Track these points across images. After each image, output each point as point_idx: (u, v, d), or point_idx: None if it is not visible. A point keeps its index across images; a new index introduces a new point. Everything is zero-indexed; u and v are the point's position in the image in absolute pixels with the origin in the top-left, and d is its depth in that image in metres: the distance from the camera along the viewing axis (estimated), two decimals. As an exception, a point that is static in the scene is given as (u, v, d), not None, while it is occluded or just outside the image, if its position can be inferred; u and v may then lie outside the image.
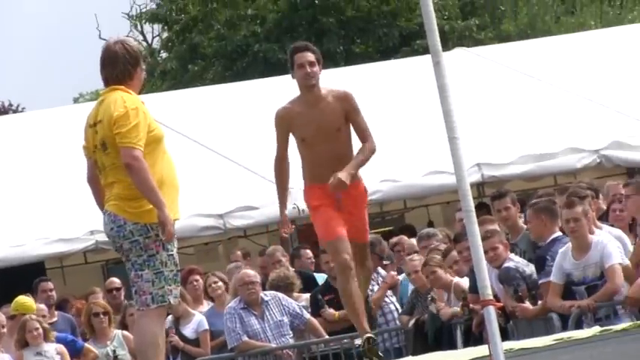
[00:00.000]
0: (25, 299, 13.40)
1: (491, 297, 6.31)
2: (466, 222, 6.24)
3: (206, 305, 14.04)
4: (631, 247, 11.07)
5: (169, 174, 7.82)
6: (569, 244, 10.54)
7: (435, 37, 6.25)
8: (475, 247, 6.15)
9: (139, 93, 8.15)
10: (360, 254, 9.00)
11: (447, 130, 6.06)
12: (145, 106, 7.86)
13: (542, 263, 10.78)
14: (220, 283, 14.03)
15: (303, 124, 9.26)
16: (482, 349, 7.65)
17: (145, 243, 7.61)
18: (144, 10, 45.94)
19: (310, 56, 9.31)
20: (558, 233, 10.96)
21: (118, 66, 7.71)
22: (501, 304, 9.82)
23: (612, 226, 11.65)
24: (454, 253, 11.83)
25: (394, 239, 14.85)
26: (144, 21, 46.40)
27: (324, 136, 9.24)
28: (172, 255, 7.74)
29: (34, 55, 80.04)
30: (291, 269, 14.12)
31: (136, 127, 7.52)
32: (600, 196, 12.54)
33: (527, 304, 10.76)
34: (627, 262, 10.59)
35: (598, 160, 17.42)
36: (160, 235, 7.43)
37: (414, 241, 14.05)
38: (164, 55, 45.61)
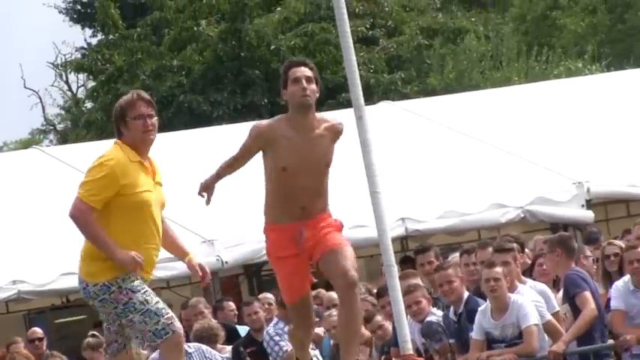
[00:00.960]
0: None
1: (411, 351, 6.38)
2: (387, 276, 6.30)
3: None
4: (555, 301, 11.18)
5: (134, 235, 7.68)
6: (489, 304, 10.67)
7: (357, 92, 6.31)
8: (396, 301, 6.22)
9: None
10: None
11: (368, 185, 6.11)
12: (128, 165, 7.68)
13: (472, 317, 10.81)
14: (139, 335, 13.79)
15: (287, 151, 7.89)
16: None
17: (112, 298, 7.54)
18: (69, 60, 46.17)
19: (308, 72, 7.91)
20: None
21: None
22: (420, 358, 9.87)
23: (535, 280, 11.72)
24: (378, 317, 11.76)
25: (313, 292, 14.93)
26: (69, 70, 46.72)
27: (309, 170, 8.00)
28: (146, 291, 7.64)
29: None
30: (214, 321, 14.07)
31: (93, 182, 7.52)
32: (526, 250, 12.71)
33: (448, 360, 10.80)
34: (548, 317, 10.68)
35: (522, 215, 17.56)
36: (127, 275, 7.42)
37: (333, 294, 13.89)
38: (89, 105, 45.20)
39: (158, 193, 7.89)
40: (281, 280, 7.95)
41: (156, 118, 7.98)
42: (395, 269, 6.52)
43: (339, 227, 7.61)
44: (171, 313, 7.73)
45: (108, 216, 7.59)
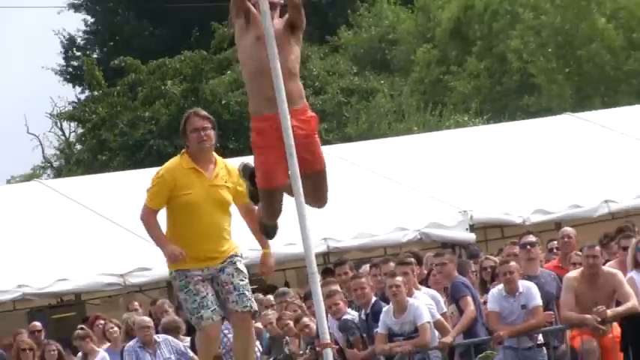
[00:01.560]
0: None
1: (329, 341, 6.43)
2: (311, 283, 6.32)
3: (106, 344, 14.25)
4: (444, 305, 11.38)
5: (187, 230, 7.47)
6: (391, 306, 10.89)
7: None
8: (318, 303, 6.26)
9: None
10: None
11: (297, 210, 6.13)
12: (178, 171, 7.54)
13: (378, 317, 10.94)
14: (116, 328, 14.35)
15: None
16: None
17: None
18: (63, 111, 47.54)
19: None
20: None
21: None
22: (337, 347, 10.34)
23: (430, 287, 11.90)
24: (305, 319, 11.80)
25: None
26: (63, 119, 47.86)
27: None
28: (188, 290, 7.32)
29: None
30: (177, 317, 14.25)
31: (150, 189, 7.57)
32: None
33: (355, 350, 11.09)
34: (438, 317, 10.96)
35: (419, 237, 17.79)
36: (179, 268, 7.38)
37: (270, 297, 14.47)
38: (79, 147, 46.19)
39: (215, 194, 7.47)
40: (260, 164, 6.38)
41: (211, 130, 7.65)
42: (317, 277, 6.50)
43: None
44: (201, 313, 7.28)
45: (169, 215, 7.54)
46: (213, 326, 7.42)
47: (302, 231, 6.31)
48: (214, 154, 7.70)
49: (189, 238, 7.35)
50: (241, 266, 7.49)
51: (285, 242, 16.22)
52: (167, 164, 7.72)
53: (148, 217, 7.50)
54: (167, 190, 7.41)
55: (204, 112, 7.88)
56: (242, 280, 7.43)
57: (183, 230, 7.40)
